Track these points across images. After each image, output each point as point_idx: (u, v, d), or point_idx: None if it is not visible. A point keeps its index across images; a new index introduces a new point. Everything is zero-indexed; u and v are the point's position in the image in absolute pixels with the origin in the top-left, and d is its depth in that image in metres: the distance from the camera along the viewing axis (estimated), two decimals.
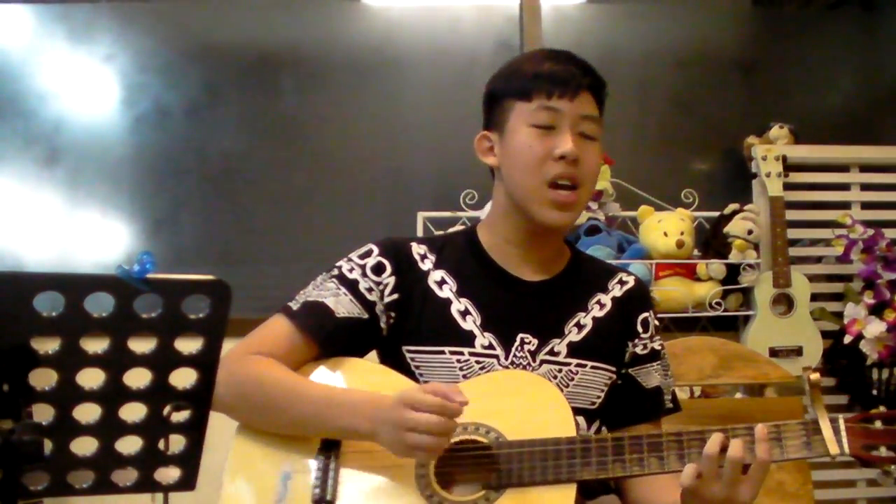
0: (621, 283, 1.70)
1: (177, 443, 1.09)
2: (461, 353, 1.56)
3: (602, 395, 1.61)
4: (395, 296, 1.60)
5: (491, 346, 1.57)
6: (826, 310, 3.28)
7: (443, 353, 1.57)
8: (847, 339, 3.20)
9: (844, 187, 3.44)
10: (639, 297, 1.70)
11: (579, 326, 1.62)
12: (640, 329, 1.67)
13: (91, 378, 1.03)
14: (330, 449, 1.48)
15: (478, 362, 1.56)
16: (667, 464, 1.41)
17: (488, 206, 2.99)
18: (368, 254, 1.63)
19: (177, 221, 3.37)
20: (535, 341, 1.59)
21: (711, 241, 3.27)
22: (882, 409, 1.45)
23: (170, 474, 1.10)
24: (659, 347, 1.70)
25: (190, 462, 1.09)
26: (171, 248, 3.34)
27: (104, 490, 1.07)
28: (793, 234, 3.29)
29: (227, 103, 3.43)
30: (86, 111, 3.37)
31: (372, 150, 3.44)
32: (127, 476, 1.08)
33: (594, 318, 1.64)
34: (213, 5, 3.45)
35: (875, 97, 3.75)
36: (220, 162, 3.40)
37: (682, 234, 3.12)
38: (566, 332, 1.61)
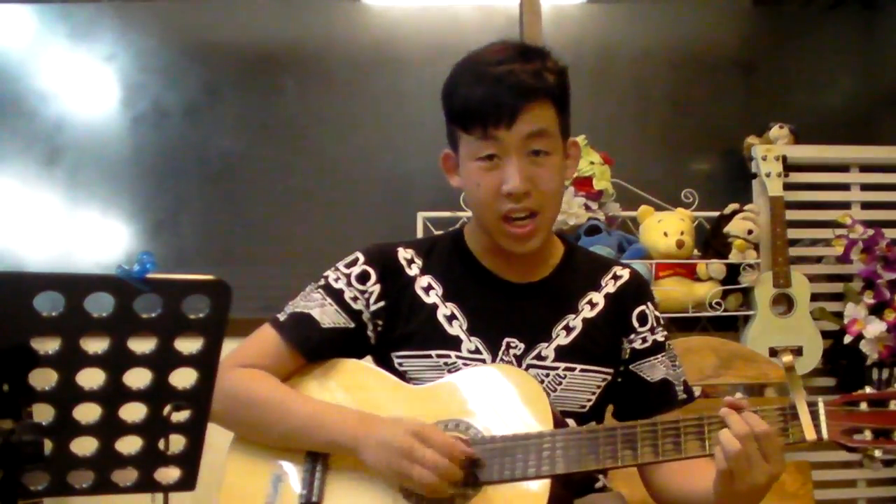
0: (615, 277, 1.66)
1: (177, 443, 1.09)
2: (448, 357, 1.57)
3: (593, 397, 1.59)
4: (382, 303, 1.61)
5: (477, 351, 1.57)
6: (826, 310, 3.28)
7: (430, 356, 1.58)
8: (847, 339, 3.20)
9: (844, 187, 3.44)
10: (633, 291, 1.66)
11: (568, 329, 1.60)
12: (636, 324, 1.64)
13: (91, 378, 1.04)
14: (317, 453, 1.51)
15: (465, 365, 1.56)
16: (640, 455, 1.39)
17: None
18: (354, 262, 1.64)
19: (177, 222, 3.37)
20: (522, 346, 1.58)
21: (711, 241, 3.27)
22: (868, 389, 1.39)
23: (170, 474, 1.10)
24: (662, 339, 1.66)
25: (190, 462, 1.09)
26: (172, 248, 3.34)
27: (104, 490, 1.07)
28: (793, 234, 3.29)
29: (228, 103, 3.43)
30: (86, 111, 3.37)
31: (372, 150, 3.44)
32: (127, 476, 1.08)
33: (584, 320, 1.61)
34: (214, 5, 3.45)
35: (875, 97, 3.74)
36: (220, 162, 3.40)
37: (682, 234, 3.13)
38: (554, 335, 1.59)
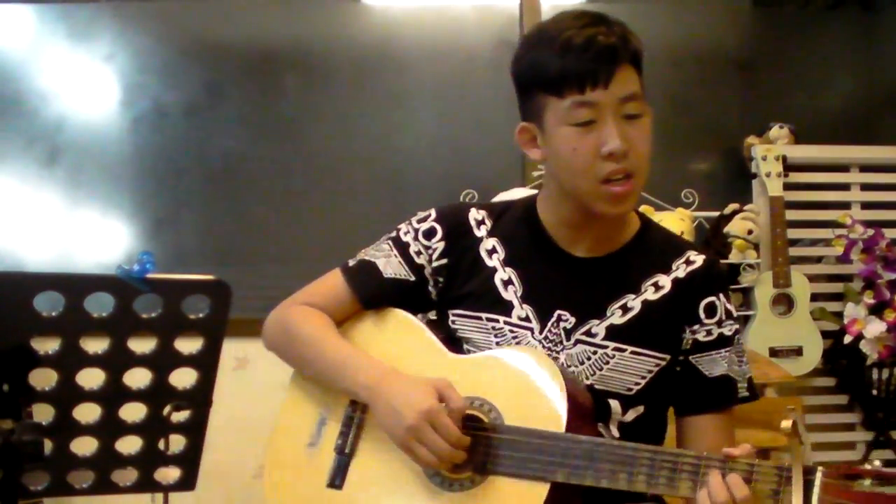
0: (688, 262, 1.60)
1: (177, 443, 1.10)
2: (496, 321, 1.58)
3: (643, 381, 1.55)
4: (444, 261, 1.64)
5: (527, 319, 1.57)
6: (826, 310, 3.28)
7: (479, 318, 1.59)
8: (847, 339, 3.20)
9: (844, 187, 3.44)
10: (704, 280, 1.59)
11: (624, 309, 1.56)
12: (702, 314, 1.58)
13: (91, 378, 1.04)
14: (359, 402, 1.56)
15: (511, 331, 1.57)
16: (634, 482, 1.38)
17: None
18: (426, 218, 1.69)
19: (177, 221, 3.36)
20: (573, 319, 1.56)
21: (711, 241, 3.27)
22: (877, 463, 1.33)
23: (170, 474, 1.10)
24: (730, 333, 1.60)
25: (190, 462, 1.10)
26: (171, 248, 3.33)
27: (104, 490, 1.07)
28: (793, 234, 3.29)
29: (228, 103, 3.42)
30: (86, 111, 3.36)
31: (372, 150, 3.44)
32: (127, 476, 1.08)
33: (645, 302, 1.57)
34: (214, 5, 3.45)
35: (875, 97, 3.74)
36: (221, 162, 3.40)
37: (681, 234, 3.12)
38: (608, 313, 1.56)
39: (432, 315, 1.68)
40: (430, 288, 1.65)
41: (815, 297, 3.25)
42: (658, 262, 1.61)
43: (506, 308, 1.58)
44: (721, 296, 1.60)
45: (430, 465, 1.45)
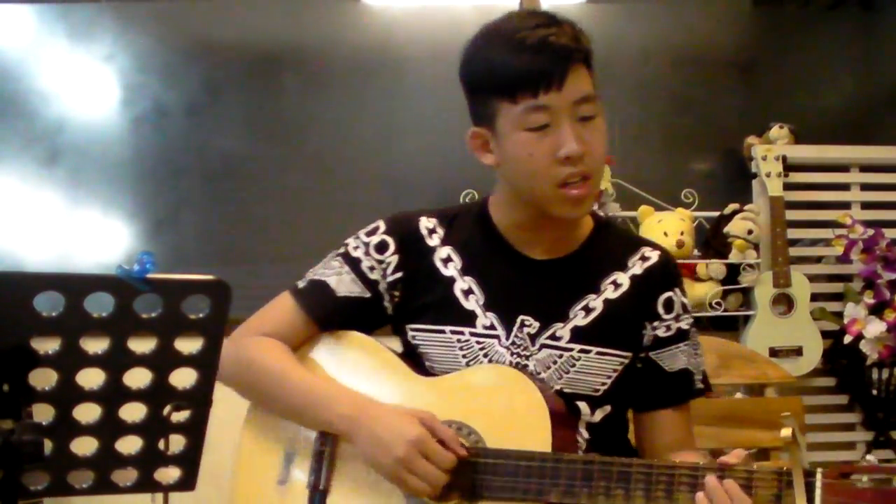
0: (643, 259, 1.60)
1: (177, 443, 1.09)
2: (461, 333, 1.54)
3: (609, 381, 1.55)
4: (399, 274, 1.59)
5: (492, 327, 1.54)
6: (826, 310, 3.28)
7: (443, 332, 1.55)
8: (847, 339, 3.21)
9: (844, 187, 3.44)
10: (661, 275, 1.60)
11: (587, 310, 1.55)
12: (661, 311, 1.58)
13: (91, 378, 1.04)
14: (327, 434, 1.50)
15: (478, 342, 1.54)
16: (632, 497, 1.37)
17: None
18: (374, 231, 1.62)
19: (177, 221, 3.37)
20: (536, 325, 1.54)
21: (711, 241, 3.27)
22: (872, 459, 1.35)
23: (170, 474, 1.10)
24: (686, 327, 1.60)
25: (190, 462, 1.09)
26: (172, 248, 3.34)
27: (104, 490, 1.07)
28: (793, 234, 3.29)
29: (228, 103, 3.43)
30: (86, 111, 3.37)
31: (372, 150, 3.44)
32: (127, 476, 1.08)
33: (606, 301, 1.56)
34: (214, 5, 3.45)
35: (875, 97, 3.74)
36: (221, 162, 3.40)
37: (681, 233, 3.13)
38: (571, 315, 1.55)
39: (382, 337, 1.62)
40: (386, 303, 1.59)
41: (815, 297, 3.26)
42: (615, 261, 1.60)
43: (469, 319, 1.55)
44: (677, 290, 1.61)
45: (421, 495, 1.40)
